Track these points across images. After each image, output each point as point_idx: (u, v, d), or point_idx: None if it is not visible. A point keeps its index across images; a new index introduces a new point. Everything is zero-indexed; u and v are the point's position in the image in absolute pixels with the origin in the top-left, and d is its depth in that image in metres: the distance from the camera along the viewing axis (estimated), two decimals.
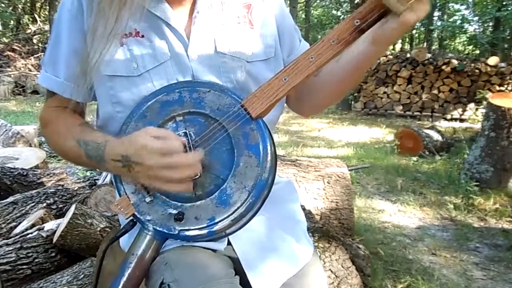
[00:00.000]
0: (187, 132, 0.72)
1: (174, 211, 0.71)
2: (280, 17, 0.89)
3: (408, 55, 7.93)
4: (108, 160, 0.71)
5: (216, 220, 0.70)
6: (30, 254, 1.52)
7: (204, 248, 0.77)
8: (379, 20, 0.68)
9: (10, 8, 13.41)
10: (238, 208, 0.70)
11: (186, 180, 0.68)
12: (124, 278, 0.72)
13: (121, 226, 0.80)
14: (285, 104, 0.93)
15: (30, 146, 3.56)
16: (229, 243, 0.79)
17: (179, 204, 0.72)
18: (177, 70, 0.77)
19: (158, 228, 0.71)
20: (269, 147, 0.72)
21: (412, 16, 0.64)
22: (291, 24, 0.92)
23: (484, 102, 5.29)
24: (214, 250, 0.78)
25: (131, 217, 0.74)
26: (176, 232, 0.71)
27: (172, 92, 0.74)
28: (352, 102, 8.66)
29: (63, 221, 1.56)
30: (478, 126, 6.13)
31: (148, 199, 0.72)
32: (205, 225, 0.70)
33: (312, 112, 0.97)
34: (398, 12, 0.65)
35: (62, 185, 2.18)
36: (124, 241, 0.87)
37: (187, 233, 0.70)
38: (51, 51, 0.81)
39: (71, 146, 0.77)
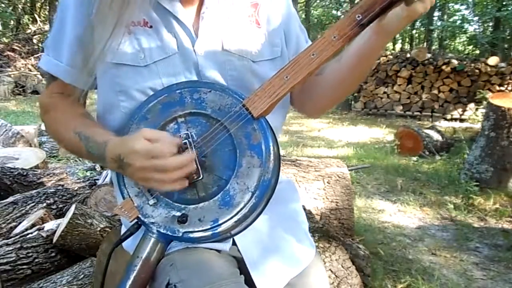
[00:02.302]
0: (189, 133, 0.71)
1: (178, 213, 0.71)
2: (287, 17, 0.88)
3: (408, 55, 7.93)
4: (108, 159, 0.72)
5: (220, 222, 0.69)
6: (30, 254, 1.51)
7: (209, 249, 0.77)
8: (381, 14, 0.67)
9: (10, 8, 13.40)
10: (242, 209, 0.69)
11: (178, 180, 0.68)
12: (130, 281, 0.72)
13: (125, 228, 0.80)
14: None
15: (30, 146, 3.56)
16: (234, 243, 0.79)
17: (183, 206, 0.71)
18: (184, 64, 0.76)
19: (162, 231, 0.71)
20: (271, 147, 0.70)
21: (420, 6, 0.66)
22: (297, 25, 0.91)
23: (484, 102, 5.29)
24: (219, 251, 0.78)
25: (135, 220, 0.73)
26: (180, 234, 0.70)
27: (173, 93, 0.73)
28: (352, 102, 8.66)
29: (63, 221, 1.55)
30: (478, 126, 6.13)
31: (151, 202, 0.72)
32: (209, 226, 0.69)
33: (318, 111, 0.95)
34: (410, 2, 0.65)
35: (62, 185, 2.17)
36: (127, 242, 0.87)
37: (191, 235, 0.70)
38: (55, 35, 0.80)
39: (70, 138, 0.78)
